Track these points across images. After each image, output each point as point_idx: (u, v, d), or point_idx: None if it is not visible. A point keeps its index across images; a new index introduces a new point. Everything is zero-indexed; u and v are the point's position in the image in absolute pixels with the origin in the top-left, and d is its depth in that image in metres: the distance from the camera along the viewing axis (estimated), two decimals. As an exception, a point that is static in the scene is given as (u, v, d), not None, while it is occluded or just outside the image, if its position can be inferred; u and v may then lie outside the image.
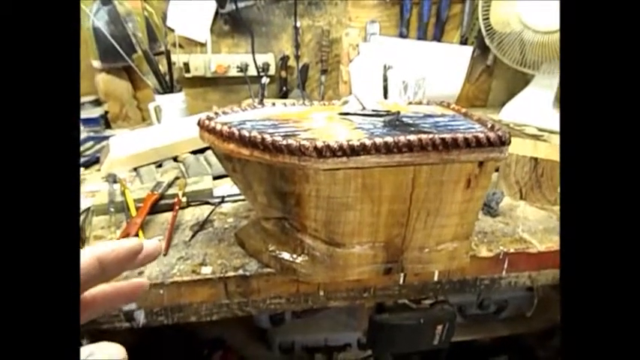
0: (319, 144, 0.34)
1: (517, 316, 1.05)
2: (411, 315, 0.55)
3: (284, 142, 0.34)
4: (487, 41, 0.99)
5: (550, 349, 1.10)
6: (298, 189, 0.37)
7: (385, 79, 0.90)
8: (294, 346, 0.98)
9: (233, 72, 0.99)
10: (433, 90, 0.93)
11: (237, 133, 0.36)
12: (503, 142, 0.37)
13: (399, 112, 0.42)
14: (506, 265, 0.49)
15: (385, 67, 0.90)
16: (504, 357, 1.13)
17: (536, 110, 0.96)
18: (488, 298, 1.02)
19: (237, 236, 0.49)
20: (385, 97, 0.90)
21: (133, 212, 0.53)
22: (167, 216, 0.55)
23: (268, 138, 0.35)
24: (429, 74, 0.91)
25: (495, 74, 1.16)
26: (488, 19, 0.95)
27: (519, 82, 1.10)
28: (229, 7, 0.92)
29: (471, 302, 1.02)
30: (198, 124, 0.41)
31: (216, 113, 0.43)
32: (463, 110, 0.45)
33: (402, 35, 1.04)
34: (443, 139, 0.35)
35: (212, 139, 0.39)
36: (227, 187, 0.63)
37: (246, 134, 0.36)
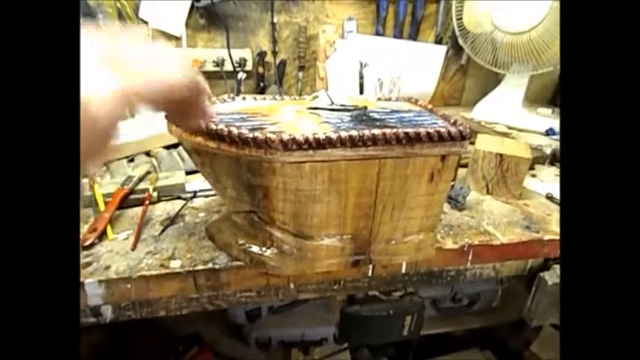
0: (285, 137, 0.35)
1: (489, 308, 1.09)
2: (381, 306, 0.57)
3: (250, 135, 0.35)
4: (460, 41, 1.01)
5: (520, 340, 1.14)
6: (265, 182, 0.37)
7: (361, 77, 0.91)
8: (270, 342, 0.98)
9: (209, 67, 0.98)
10: (408, 88, 0.95)
11: (203, 126, 0.36)
12: (464, 137, 0.38)
13: (366, 108, 0.42)
14: (470, 257, 0.51)
15: (361, 64, 0.91)
16: (476, 348, 1.16)
17: (506, 109, 0.99)
18: (461, 292, 1.04)
19: (208, 230, 0.49)
20: (361, 94, 0.91)
21: (102, 207, 0.53)
22: (137, 211, 0.54)
23: (235, 131, 0.35)
24: (404, 72, 0.93)
25: (469, 74, 1.19)
26: (461, 19, 0.98)
27: (492, 81, 1.13)
28: (205, 0, 0.91)
29: (444, 296, 1.04)
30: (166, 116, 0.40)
31: (184, 106, 0.43)
32: (429, 106, 0.47)
33: (378, 33, 1.05)
34: (406, 134, 0.37)
35: (179, 132, 0.39)
36: (199, 181, 0.63)
37: (213, 127, 0.36)
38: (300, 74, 1.06)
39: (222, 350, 0.97)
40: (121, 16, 0.88)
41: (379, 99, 0.51)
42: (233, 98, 0.47)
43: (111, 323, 0.47)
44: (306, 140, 0.35)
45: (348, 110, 0.43)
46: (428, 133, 0.37)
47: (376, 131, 0.36)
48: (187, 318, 0.84)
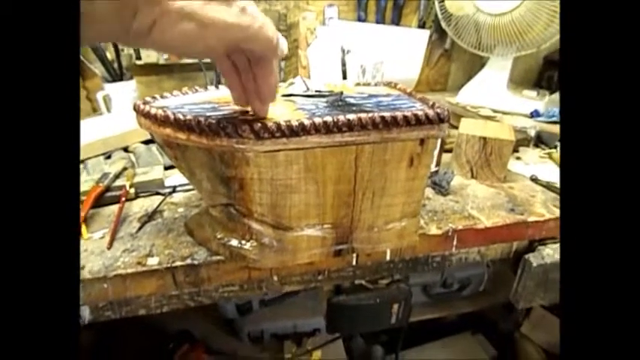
0: (257, 125, 0.33)
1: (479, 292, 1.10)
2: (367, 295, 0.56)
3: (220, 125, 0.33)
4: (443, 24, 1.00)
5: (511, 322, 1.15)
6: (240, 173, 0.36)
7: (344, 64, 0.90)
8: (263, 335, 0.98)
9: (187, 59, 0.95)
10: (392, 74, 0.93)
11: (172, 116, 0.35)
12: (442, 119, 0.37)
13: (342, 93, 0.41)
14: (455, 242, 0.50)
15: (343, 51, 0.90)
16: (468, 332, 1.18)
17: (491, 92, 0.98)
18: (451, 277, 1.05)
19: (187, 225, 0.48)
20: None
21: (76, 205, 0.51)
22: (114, 208, 0.52)
23: (204, 121, 0.33)
24: (387, 58, 0.91)
25: (454, 58, 1.18)
26: (443, 2, 0.96)
27: (477, 65, 1.12)
28: (180, -10, 0.88)
29: (434, 281, 1.04)
30: (134, 108, 0.39)
31: (153, 97, 0.41)
32: (408, 90, 0.45)
33: (360, 19, 1.03)
34: (382, 117, 0.35)
35: (148, 125, 0.38)
36: (179, 176, 0.61)
37: (181, 118, 0.34)
38: (282, 63, 1.04)
39: (214, 346, 0.97)
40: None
41: (357, 84, 0.50)
42: (206, 88, 0.45)
43: (98, 323, 0.46)
44: (279, 128, 0.34)
45: (324, 96, 0.41)
46: (405, 117, 0.36)
47: (351, 116, 0.35)
48: (177, 315, 0.83)
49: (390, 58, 0.92)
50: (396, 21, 1.05)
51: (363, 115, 0.35)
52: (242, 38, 0.29)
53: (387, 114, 0.36)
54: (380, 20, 1.04)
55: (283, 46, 0.33)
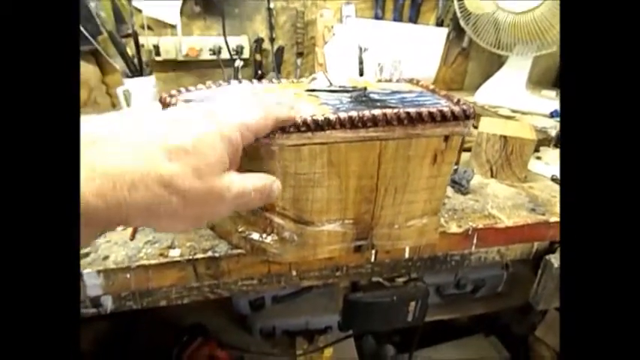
0: (282, 119, 0.33)
1: (493, 294, 1.08)
2: (384, 293, 0.56)
3: (246, 118, 0.33)
4: (462, 23, 0.99)
5: (525, 325, 1.14)
6: (264, 166, 0.36)
7: (361, 62, 0.90)
8: (274, 331, 0.98)
9: (206, 55, 0.96)
10: (409, 72, 0.93)
11: None
12: (467, 116, 0.37)
13: (365, 88, 0.41)
14: (475, 241, 0.50)
15: (361, 49, 0.90)
16: (481, 334, 1.16)
17: (509, 92, 0.97)
18: (465, 278, 1.04)
19: (207, 219, 0.48)
20: (361, 79, 0.89)
21: (99, 197, 0.52)
22: (135, 201, 0.53)
23: (230, 114, 0.34)
24: (405, 56, 0.91)
25: (471, 57, 1.17)
26: (462, 0, 0.95)
27: (495, 64, 1.11)
28: (199, -13, 0.89)
29: (448, 282, 1.03)
30: (160, 100, 0.39)
31: (179, 91, 0.42)
32: (431, 87, 0.45)
33: (377, 17, 1.03)
34: (408, 113, 0.35)
35: (174, 118, 0.38)
36: (198, 170, 0.62)
37: (208, 110, 0.35)
38: (299, 61, 1.04)
39: (226, 340, 0.97)
40: (115, 5, 0.87)
41: (379, 80, 0.49)
42: (229, 82, 0.45)
43: (114, 314, 0.46)
44: (305, 122, 0.34)
45: (348, 91, 0.41)
46: (430, 113, 0.36)
47: (377, 112, 0.35)
48: (191, 308, 0.84)
49: (408, 56, 0.92)
50: (414, 19, 1.04)
51: (388, 111, 0.35)
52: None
53: (412, 110, 0.35)
54: (397, 18, 1.04)
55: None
